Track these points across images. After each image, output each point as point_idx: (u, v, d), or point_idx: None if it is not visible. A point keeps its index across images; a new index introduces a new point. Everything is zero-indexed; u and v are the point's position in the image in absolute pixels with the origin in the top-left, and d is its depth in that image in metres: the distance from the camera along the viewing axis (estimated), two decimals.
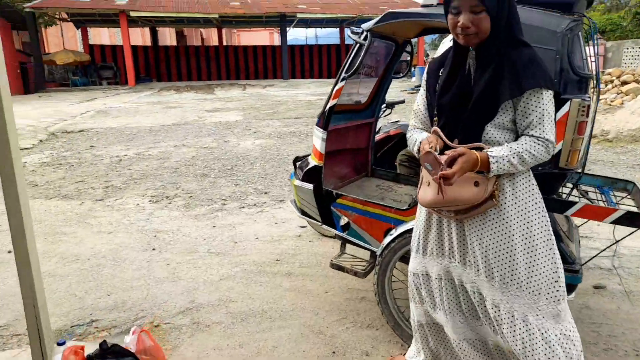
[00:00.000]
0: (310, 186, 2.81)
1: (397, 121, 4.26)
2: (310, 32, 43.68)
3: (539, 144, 1.64)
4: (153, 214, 5.08)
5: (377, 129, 3.78)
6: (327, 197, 2.78)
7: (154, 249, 4.08)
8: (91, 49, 27.84)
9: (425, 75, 1.93)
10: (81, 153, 8.56)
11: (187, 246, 4.15)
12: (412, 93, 17.93)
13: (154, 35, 30.73)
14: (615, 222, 2.03)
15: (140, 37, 33.61)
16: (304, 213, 2.96)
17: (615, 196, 2.62)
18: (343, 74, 2.66)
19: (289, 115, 12.94)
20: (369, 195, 2.96)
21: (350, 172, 3.37)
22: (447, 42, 3.33)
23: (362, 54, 2.59)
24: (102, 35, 31.53)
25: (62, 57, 23.99)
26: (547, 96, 1.65)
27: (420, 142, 1.77)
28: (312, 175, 2.82)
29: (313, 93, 18.90)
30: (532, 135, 1.65)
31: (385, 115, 4.14)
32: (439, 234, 1.85)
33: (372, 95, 3.42)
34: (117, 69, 26.42)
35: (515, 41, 1.66)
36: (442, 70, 1.83)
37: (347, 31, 2.55)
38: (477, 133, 1.70)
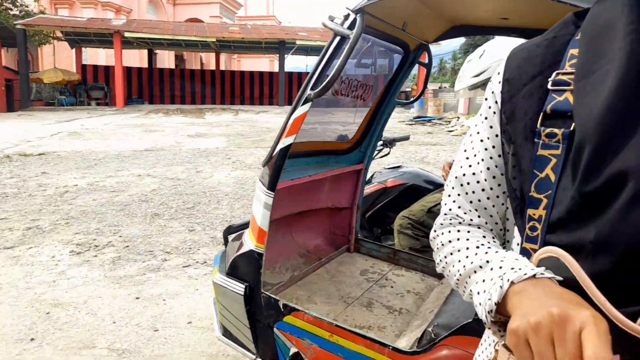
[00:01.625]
0: (240, 287, 1.55)
1: (399, 166, 3.03)
2: (312, 59, 43.29)
3: None
4: (65, 273, 3.78)
5: (367, 178, 2.55)
6: (268, 311, 1.52)
7: (32, 339, 2.77)
8: (84, 68, 27.03)
9: (497, 94, 0.71)
10: (26, 181, 7.31)
11: (83, 335, 2.84)
12: (411, 124, 16.85)
13: (150, 57, 30.05)
14: None
15: (137, 58, 32.99)
16: (227, 334, 1.68)
17: None
18: (308, 91, 1.43)
19: None
20: (344, 317, 1.69)
21: (317, 248, 2.11)
22: (478, 59, 2.12)
23: (344, 53, 1.36)
24: (99, 56, 30.74)
25: (49, 75, 23.11)
26: None
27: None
28: (245, 267, 1.56)
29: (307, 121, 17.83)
30: None
31: (381, 157, 2.92)
32: None
33: (363, 129, 2.20)
34: (108, 90, 25.53)
35: None
36: (558, 74, 0.63)
37: (325, 21, 1.32)
38: None
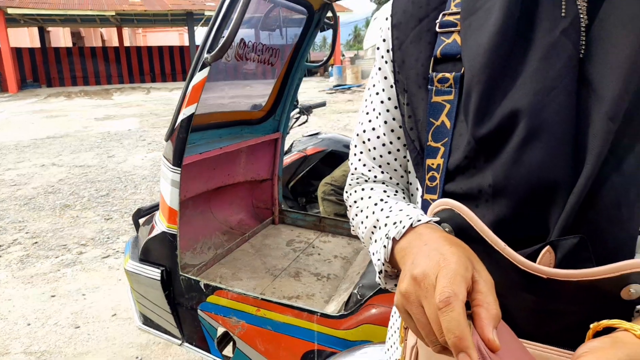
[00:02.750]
0: (155, 272, 1.45)
1: (317, 133, 2.99)
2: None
3: None
4: None
5: (285, 148, 2.50)
6: (189, 293, 1.44)
7: None
8: None
9: (388, 42, 0.67)
10: None
11: None
12: (331, 93, 16.93)
13: (42, 35, 27.29)
14: None
15: (27, 38, 29.86)
16: (148, 322, 1.58)
17: None
18: (204, 55, 1.33)
19: None
20: (271, 289, 1.66)
21: (240, 224, 2.04)
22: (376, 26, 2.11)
23: (237, 12, 1.27)
24: None
25: None
26: None
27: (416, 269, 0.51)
28: (159, 250, 1.46)
29: (216, 90, 17.32)
30: None
31: (300, 125, 2.87)
32: None
33: (275, 96, 2.13)
34: None
35: None
36: (445, 16, 0.60)
37: None
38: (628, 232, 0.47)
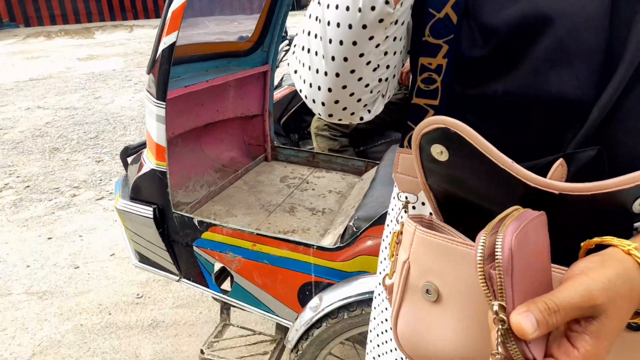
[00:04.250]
0: (147, 210, 1.43)
1: None
2: None
3: None
4: None
5: (276, 82, 2.41)
6: (183, 230, 1.43)
7: None
8: None
9: None
10: None
11: None
12: None
13: None
14: None
15: None
16: (144, 260, 1.58)
17: None
18: None
19: None
20: (266, 225, 1.65)
21: (232, 161, 2.01)
22: None
23: None
24: None
25: None
26: None
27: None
28: (149, 188, 1.43)
29: (220, 31, 16.69)
30: None
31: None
32: None
33: (262, 25, 2.01)
34: None
35: None
36: None
37: None
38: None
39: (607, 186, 0.40)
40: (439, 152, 0.48)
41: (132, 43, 14.72)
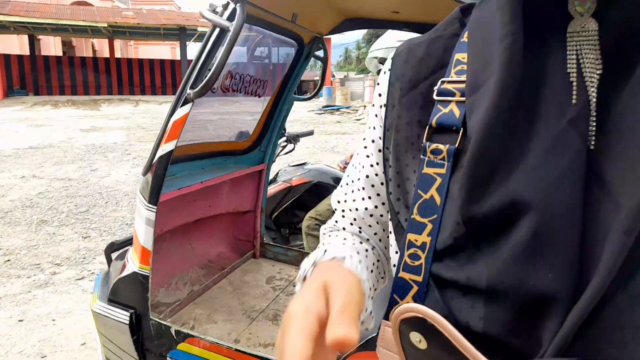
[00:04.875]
0: (124, 316, 1.36)
1: (304, 163, 2.94)
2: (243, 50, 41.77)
3: None
4: None
5: (272, 177, 2.44)
6: (159, 339, 1.36)
7: None
8: None
9: (385, 92, 0.62)
10: None
11: None
12: (320, 114, 16.98)
13: (32, 43, 27.10)
14: None
15: (17, 45, 29.63)
16: None
17: None
18: (187, 90, 1.28)
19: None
20: (247, 335, 1.58)
21: (220, 257, 1.97)
22: (382, 45, 2.08)
23: (225, 47, 1.22)
24: None
25: None
26: None
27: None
28: (129, 291, 1.38)
29: (221, 109, 17.33)
30: None
31: (286, 153, 2.82)
32: None
33: (261, 127, 2.08)
34: None
35: None
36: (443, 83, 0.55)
37: (203, 10, 1.16)
38: None
39: None
40: (418, 340, 0.47)
41: (136, 117, 15.18)
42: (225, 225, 2.14)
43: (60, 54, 31.77)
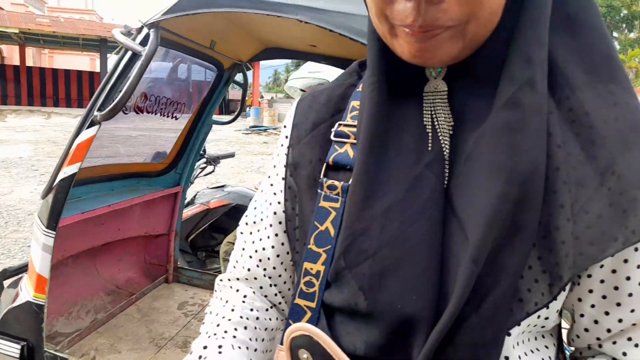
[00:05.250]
0: (14, 349, 1.27)
1: (223, 186, 2.92)
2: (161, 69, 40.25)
3: None
4: None
5: (187, 199, 2.40)
6: None
7: None
8: None
9: (289, 134, 0.68)
10: None
11: None
12: (247, 134, 16.88)
13: None
14: None
15: None
16: None
17: None
18: (94, 112, 1.24)
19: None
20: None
21: (129, 282, 1.89)
22: (299, 75, 2.15)
23: (135, 72, 1.20)
24: None
25: None
26: None
27: None
28: (21, 322, 1.29)
29: (136, 127, 16.58)
30: None
31: (205, 175, 2.79)
32: None
33: (178, 149, 2.05)
34: None
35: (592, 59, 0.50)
36: (332, 139, 0.61)
37: (115, 32, 1.14)
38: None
39: None
40: (305, 357, 0.51)
41: (47, 130, 14.16)
42: (136, 248, 2.06)
43: None
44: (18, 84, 24.98)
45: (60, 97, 25.88)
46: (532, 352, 0.52)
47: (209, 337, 0.62)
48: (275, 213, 0.67)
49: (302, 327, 0.52)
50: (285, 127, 0.68)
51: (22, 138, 12.14)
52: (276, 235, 0.67)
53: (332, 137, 0.60)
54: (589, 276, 0.50)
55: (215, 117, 2.11)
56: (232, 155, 3.00)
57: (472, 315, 0.47)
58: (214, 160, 2.77)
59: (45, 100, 25.38)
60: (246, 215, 0.71)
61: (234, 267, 0.70)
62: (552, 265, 0.47)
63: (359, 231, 0.51)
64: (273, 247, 0.67)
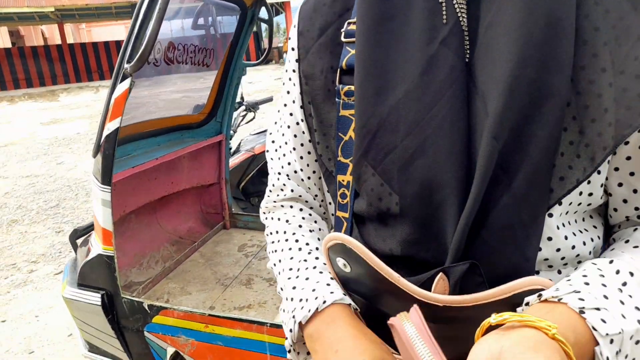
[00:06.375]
0: (95, 297, 1.38)
1: (265, 130, 2.93)
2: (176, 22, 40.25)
3: None
4: None
5: (233, 148, 2.44)
6: (133, 315, 1.38)
7: None
8: None
9: (295, 45, 0.63)
10: None
11: None
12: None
13: None
14: None
15: None
16: (94, 349, 1.51)
17: None
18: (124, 65, 1.25)
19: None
20: (222, 301, 1.62)
21: (190, 232, 1.98)
22: None
23: (155, 15, 1.19)
24: None
25: None
26: None
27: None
28: (97, 274, 1.39)
29: (186, 89, 16.91)
30: None
31: (247, 122, 2.81)
32: None
33: (214, 97, 2.06)
34: None
35: None
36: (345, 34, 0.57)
37: None
38: (524, 240, 0.46)
39: (483, 298, 0.42)
40: (343, 264, 0.51)
41: (98, 105, 14.72)
42: (192, 200, 2.14)
43: (9, 45, 30.22)
44: (63, 62, 25.81)
45: (104, 69, 26.55)
46: (581, 232, 0.49)
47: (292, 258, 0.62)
48: (295, 136, 0.65)
49: (335, 237, 0.51)
50: (290, 39, 0.64)
51: (76, 115, 12.72)
52: (301, 158, 0.65)
53: (342, 39, 0.55)
54: (614, 153, 0.46)
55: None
56: (270, 100, 2.99)
57: (504, 195, 0.44)
58: (253, 107, 2.77)
59: (91, 75, 26.16)
60: (273, 141, 0.70)
61: (271, 190, 0.70)
62: (595, 135, 0.43)
63: (375, 127, 0.49)
64: (302, 170, 0.66)
